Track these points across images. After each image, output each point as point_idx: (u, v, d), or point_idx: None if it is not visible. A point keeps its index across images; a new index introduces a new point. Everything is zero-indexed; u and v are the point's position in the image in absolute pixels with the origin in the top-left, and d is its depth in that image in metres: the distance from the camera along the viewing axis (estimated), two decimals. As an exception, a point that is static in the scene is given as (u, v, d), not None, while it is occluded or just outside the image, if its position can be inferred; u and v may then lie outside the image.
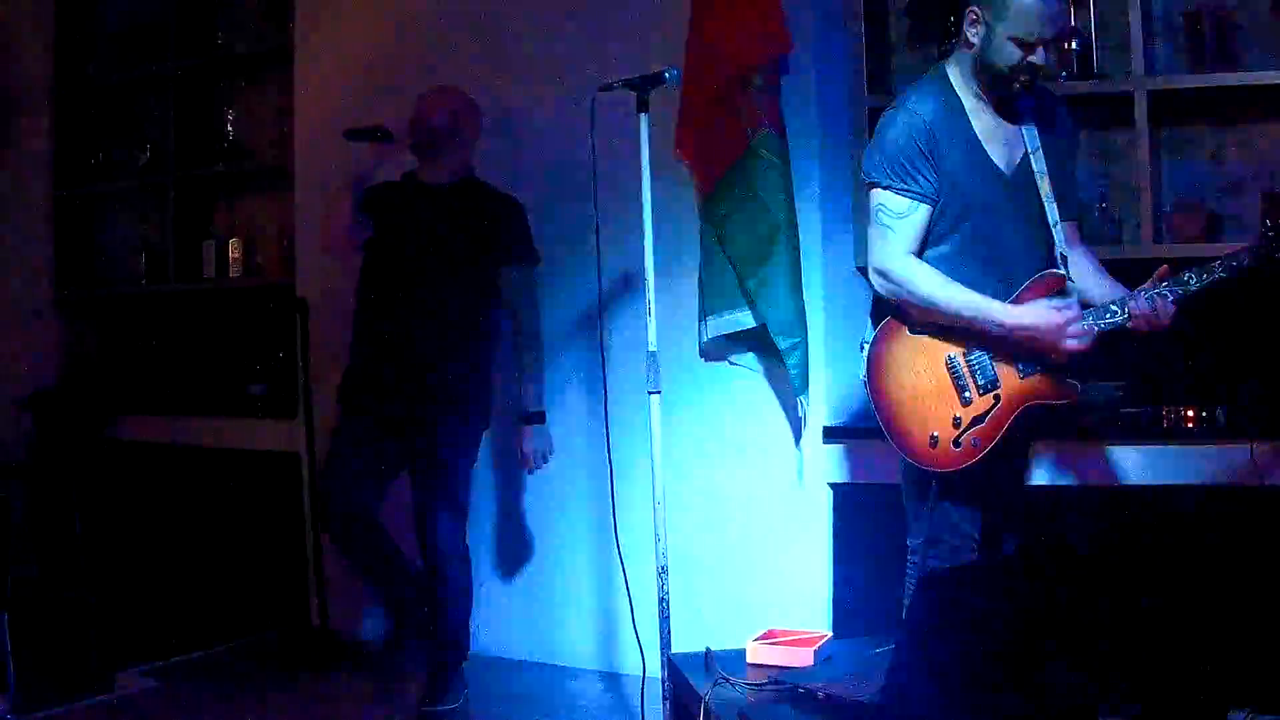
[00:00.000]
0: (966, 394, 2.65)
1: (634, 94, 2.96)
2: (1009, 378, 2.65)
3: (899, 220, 2.62)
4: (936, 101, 2.67)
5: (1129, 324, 2.57)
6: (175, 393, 5.10)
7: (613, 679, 3.85)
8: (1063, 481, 3.29)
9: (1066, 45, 3.45)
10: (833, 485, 3.54)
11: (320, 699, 3.75)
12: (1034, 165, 2.67)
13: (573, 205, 3.64)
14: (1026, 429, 2.72)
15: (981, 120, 2.67)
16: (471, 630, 3.70)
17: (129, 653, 4.04)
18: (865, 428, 3.54)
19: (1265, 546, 3.06)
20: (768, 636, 2.62)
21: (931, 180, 2.63)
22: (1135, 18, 3.35)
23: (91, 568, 4.78)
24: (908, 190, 2.61)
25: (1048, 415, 2.73)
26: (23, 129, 5.39)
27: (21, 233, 5.41)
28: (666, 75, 2.96)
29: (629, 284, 3.71)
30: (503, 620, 4.09)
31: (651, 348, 2.99)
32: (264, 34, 4.91)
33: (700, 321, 3.59)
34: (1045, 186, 2.67)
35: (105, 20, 5.38)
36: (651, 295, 2.99)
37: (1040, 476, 3.29)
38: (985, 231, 2.67)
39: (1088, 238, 3.48)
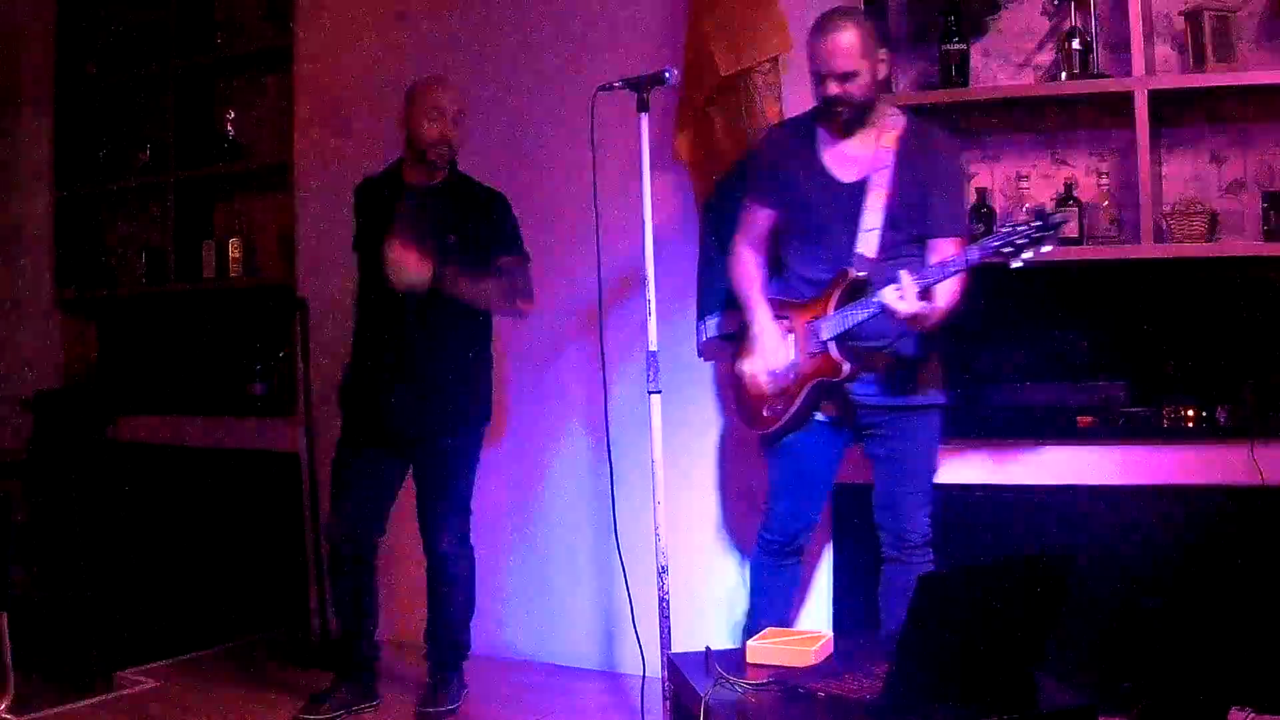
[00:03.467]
0: None
1: (634, 94, 2.96)
2: (801, 356, 3.04)
3: (744, 215, 3.06)
4: (792, 125, 3.18)
5: (884, 312, 2.85)
6: (175, 393, 5.10)
7: (613, 679, 3.85)
8: (1063, 481, 3.29)
9: (1073, 44, 3.46)
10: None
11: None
12: (873, 181, 2.99)
13: (573, 205, 3.64)
14: (816, 402, 3.06)
15: (826, 140, 3.07)
16: (471, 631, 3.69)
17: (129, 653, 4.04)
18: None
19: (1265, 546, 3.06)
20: (768, 636, 2.62)
21: (771, 188, 3.09)
22: (1135, 18, 3.35)
23: (91, 567, 4.79)
24: (752, 193, 3.01)
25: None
26: (24, 129, 5.39)
27: (22, 233, 5.41)
28: (666, 75, 2.97)
29: (629, 284, 3.71)
30: (503, 620, 4.09)
31: (652, 348, 2.99)
32: (264, 34, 4.90)
33: (700, 321, 3.59)
34: (875, 200, 2.98)
35: (105, 20, 5.38)
36: (651, 295, 3.00)
37: (1041, 476, 3.29)
38: (816, 232, 3.06)
39: (1089, 238, 3.51)
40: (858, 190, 3.01)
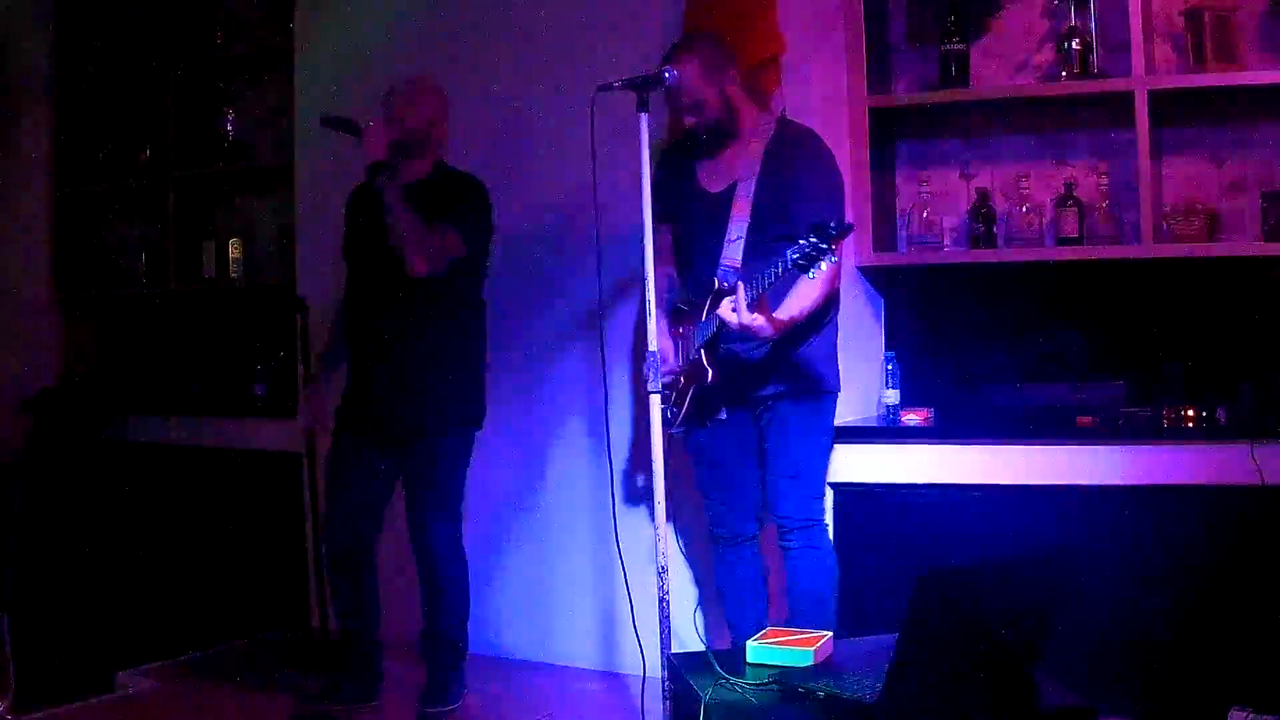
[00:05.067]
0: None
1: (634, 94, 2.96)
2: (684, 364, 3.19)
3: (657, 235, 2.98)
4: (677, 145, 3.31)
5: (725, 328, 2.93)
6: (175, 393, 5.10)
7: (613, 679, 3.85)
8: (1063, 481, 3.29)
9: (1073, 44, 3.47)
10: (833, 485, 3.53)
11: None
12: (738, 190, 3.10)
13: (573, 205, 3.64)
14: (705, 405, 3.16)
15: (704, 159, 3.20)
16: (469, 631, 3.69)
17: (129, 653, 4.04)
18: (866, 428, 3.55)
19: (1265, 546, 3.06)
20: (768, 636, 2.61)
21: (661, 206, 3.05)
22: (1135, 18, 3.35)
23: (91, 567, 4.79)
24: (653, 212, 2.94)
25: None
26: (23, 129, 5.39)
27: (22, 233, 5.41)
28: (666, 75, 2.96)
29: (629, 284, 3.71)
30: (503, 620, 4.09)
31: (652, 348, 2.99)
32: (264, 34, 4.91)
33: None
34: (739, 208, 3.08)
35: (105, 20, 5.38)
36: (652, 295, 2.99)
37: (1041, 476, 3.29)
38: (692, 244, 3.21)
39: (1089, 238, 3.51)
40: (725, 199, 3.12)
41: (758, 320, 2.84)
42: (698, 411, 3.17)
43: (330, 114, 3.53)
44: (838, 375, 3.23)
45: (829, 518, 3.55)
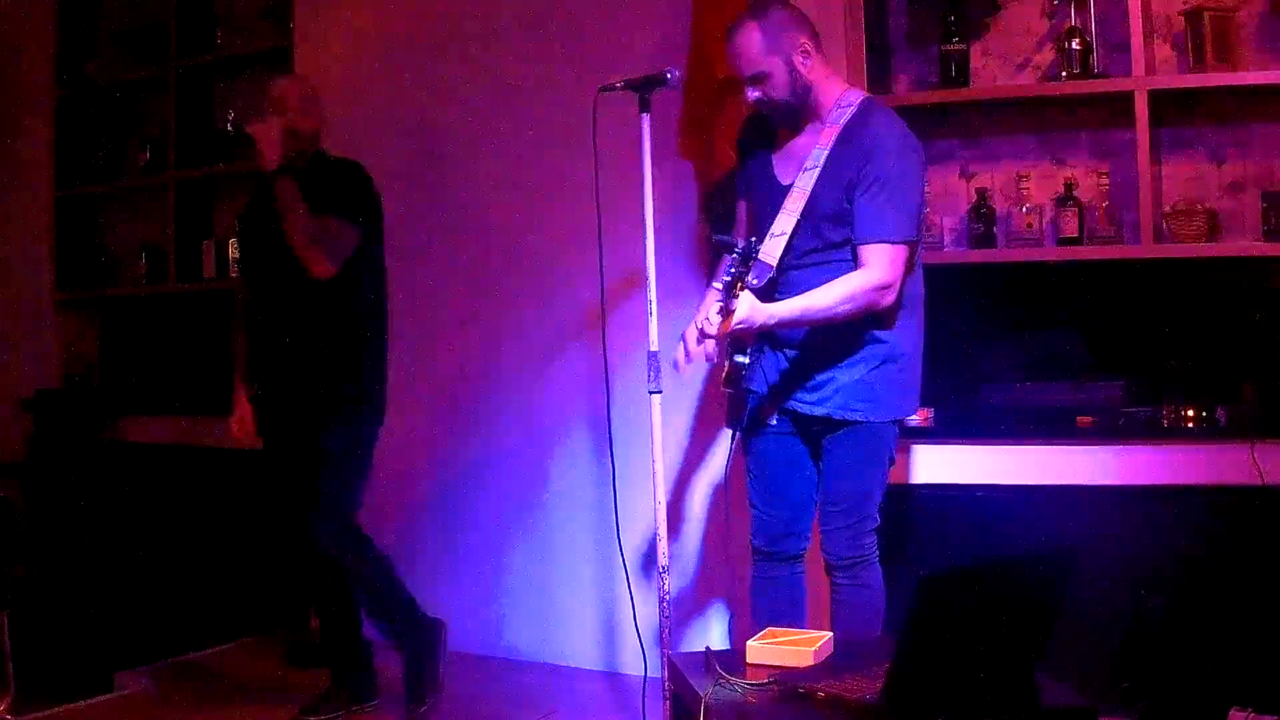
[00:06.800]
0: None
1: (635, 94, 2.96)
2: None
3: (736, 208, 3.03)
4: (754, 124, 3.08)
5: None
6: (175, 393, 5.09)
7: (614, 679, 3.85)
8: (1063, 481, 3.29)
9: (1073, 44, 3.47)
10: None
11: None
12: (798, 181, 2.87)
13: (574, 205, 3.64)
14: (754, 410, 3.00)
15: (779, 139, 2.99)
16: (472, 631, 3.67)
17: (129, 653, 4.04)
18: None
19: (1265, 546, 3.06)
20: (768, 636, 2.61)
21: (739, 185, 3.09)
22: (1135, 18, 3.35)
23: (91, 568, 4.79)
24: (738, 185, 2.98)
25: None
26: (23, 129, 5.39)
27: (22, 233, 5.41)
28: (668, 75, 2.96)
29: (631, 284, 3.71)
30: (504, 620, 4.09)
31: (653, 348, 2.99)
32: (264, 34, 4.90)
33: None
34: (794, 202, 2.85)
35: (105, 20, 5.38)
36: (653, 295, 2.99)
37: (1041, 476, 3.29)
38: (763, 229, 2.93)
39: (1089, 238, 3.51)
40: (788, 190, 2.89)
41: (736, 319, 2.62)
42: (747, 414, 2.96)
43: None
44: (908, 402, 2.97)
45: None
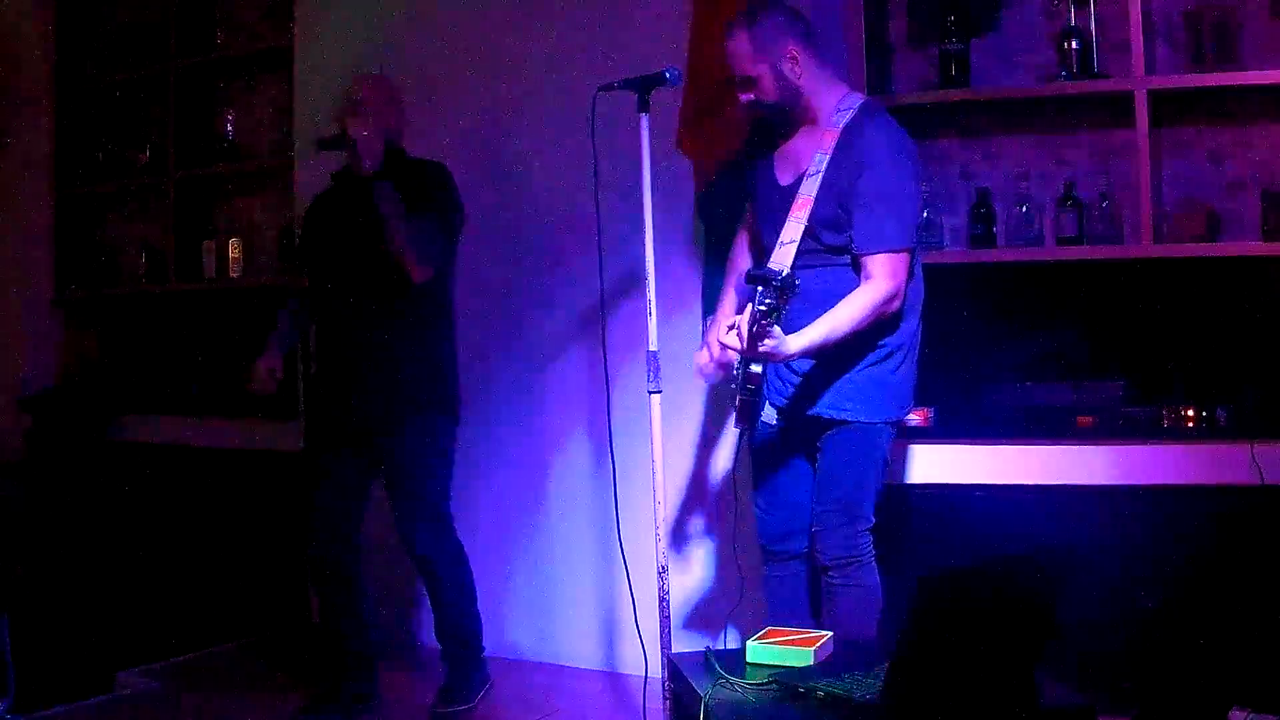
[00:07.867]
0: None
1: (634, 94, 2.96)
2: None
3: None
4: (759, 127, 3.07)
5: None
6: (175, 393, 5.10)
7: (615, 679, 3.85)
8: (1063, 481, 3.29)
9: (1073, 44, 3.47)
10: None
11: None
12: (801, 187, 2.87)
13: (574, 205, 3.64)
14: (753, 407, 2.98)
15: (781, 142, 3.00)
16: (478, 626, 3.66)
17: (129, 653, 4.04)
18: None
19: (1265, 546, 3.06)
20: (768, 636, 2.61)
21: (746, 185, 3.11)
22: (1135, 18, 3.35)
23: (92, 568, 4.79)
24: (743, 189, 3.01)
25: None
26: (23, 129, 5.39)
27: (22, 233, 5.41)
28: (667, 75, 2.96)
29: (630, 283, 3.71)
30: (505, 620, 4.09)
31: (652, 347, 2.99)
32: (264, 34, 4.91)
33: (702, 321, 3.59)
34: (799, 209, 2.86)
35: (105, 20, 5.38)
36: (652, 295, 2.99)
37: (1041, 476, 3.29)
38: (762, 234, 3.02)
39: (1089, 238, 3.51)
40: (789, 195, 2.91)
41: (766, 347, 2.61)
42: (748, 411, 2.96)
43: (322, 136, 3.45)
44: (901, 402, 2.98)
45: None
